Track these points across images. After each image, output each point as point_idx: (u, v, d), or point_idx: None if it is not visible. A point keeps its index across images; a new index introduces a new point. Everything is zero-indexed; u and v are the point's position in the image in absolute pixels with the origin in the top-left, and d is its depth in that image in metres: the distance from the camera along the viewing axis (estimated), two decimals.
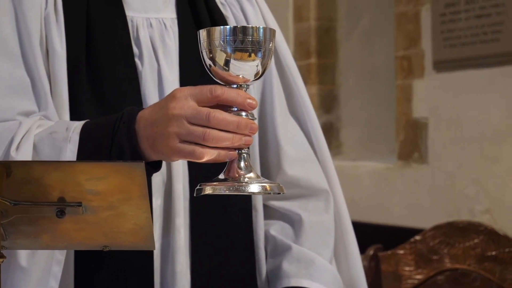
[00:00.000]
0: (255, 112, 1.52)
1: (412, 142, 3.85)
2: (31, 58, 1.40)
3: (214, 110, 1.17)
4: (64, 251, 1.34)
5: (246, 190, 1.16)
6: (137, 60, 1.45)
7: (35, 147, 1.32)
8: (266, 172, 1.57)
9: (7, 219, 1.08)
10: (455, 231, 2.35)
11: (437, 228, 2.39)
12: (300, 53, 4.50)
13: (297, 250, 1.53)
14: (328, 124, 4.47)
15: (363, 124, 4.57)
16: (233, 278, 1.49)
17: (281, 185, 1.19)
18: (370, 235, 3.01)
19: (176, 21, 1.50)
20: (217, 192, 1.16)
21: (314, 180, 1.59)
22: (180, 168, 1.43)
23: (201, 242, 1.45)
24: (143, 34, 1.46)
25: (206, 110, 1.17)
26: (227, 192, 1.16)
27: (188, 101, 1.18)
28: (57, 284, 1.33)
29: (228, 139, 1.16)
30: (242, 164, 1.17)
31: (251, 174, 1.17)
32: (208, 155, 1.17)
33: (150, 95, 1.44)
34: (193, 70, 1.45)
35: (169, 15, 1.50)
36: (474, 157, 3.54)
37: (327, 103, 4.54)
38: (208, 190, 1.16)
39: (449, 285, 2.33)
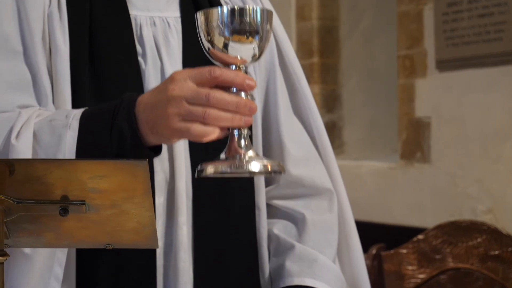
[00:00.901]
0: (259, 111, 1.53)
1: (414, 142, 3.84)
2: (33, 55, 1.40)
3: (214, 90, 1.18)
4: None
5: (247, 169, 1.16)
6: (140, 59, 1.45)
7: (35, 135, 1.32)
8: None
9: (10, 217, 1.08)
10: (458, 231, 2.35)
11: (439, 227, 2.39)
12: (302, 52, 4.49)
13: (300, 249, 1.53)
14: (330, 124, 4.47)
15: (366, 123, 4.56)
16: (236, 276, 1.49)
17: (281, 163, 1.20)
18: (372, 235, 3.01)
19: (179, 20, 1.50)
20: (219, 171, 1.16)
21: (318, 180, 1.59)
22: (183, 166, 1.43)
23: (204, 240, 1.44)
24: (147, 33, 1.46)
25: (205, 90, 1.18)
26: (228, 171, 1.17)
27: (188, 83, 1.19)
28: (62, 270, 1.33)
29: (228, 119, 1.17)
30: (242, 143, 1.18)
31: (251, 153, 1.18)
32: (208, 134, 1.18)
33: None
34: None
35: (173, 14, 1.50)
36: (476, 157, 3.53)
37: (329, 103, 4.54)
38: (209, 169, 1.17)
39: (452, 284, 2.33)
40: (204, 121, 1.18)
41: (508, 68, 3.38)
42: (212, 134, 1.19)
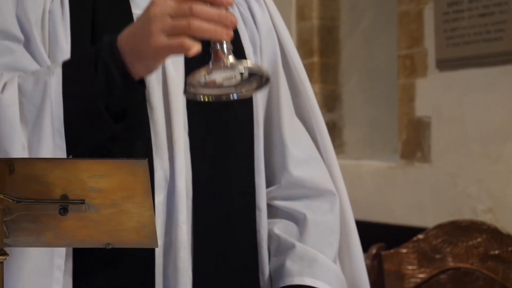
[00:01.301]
0: (261, 111, 1.54)
1: (414, 141, 3.84)
2: (34, 45, 1.39)
3: (196, 2, 1.20)
4: None
5: (233, 67, 1.20)
6: None
7: (19, 88, 1.32)
8: (271, 172, 1.57)
9: (10, 216, 1.08)
10: (458, 230, 2.35)
11: (440, 227, 2.39)
12: (302, 52, 4.49)
13: (300, 249, 1.53)
14: (330, 123, 4.46)
15: (366, 123, 4.56)
16: (235, 276, 1.49)
17: (264, 67, 1.27)
18: (372, 234, 3.01)
19: None
20: (207, 74, 1.20)
21: (319, 181, 1.59)
22: (183, 165, 1.42)
23: (204, 239, 1.44)
24: None
25: (187, 3, 1.21)
26: (218, 73, 1.20)
27: (168, 1, 1.22)
28: (62, 261, 1.33)
29: (212, 30, 1.20)
30: (226, 52, 1.21)
31: (232, 58, 1.21)
32: (195, 46, 1.21)
33: (154, 93, 1.43)
34: (198, 67, 1.45)
35: None
36: (476, 156, 3.53)
37: (329, 102, 4.54)
38: (196, 75, 1.21)
39: (452, 284, 2.33)
40: (189, 33, 1.20)
41: (508, 68, 3.38)
42: (198, 45, 1.21)
